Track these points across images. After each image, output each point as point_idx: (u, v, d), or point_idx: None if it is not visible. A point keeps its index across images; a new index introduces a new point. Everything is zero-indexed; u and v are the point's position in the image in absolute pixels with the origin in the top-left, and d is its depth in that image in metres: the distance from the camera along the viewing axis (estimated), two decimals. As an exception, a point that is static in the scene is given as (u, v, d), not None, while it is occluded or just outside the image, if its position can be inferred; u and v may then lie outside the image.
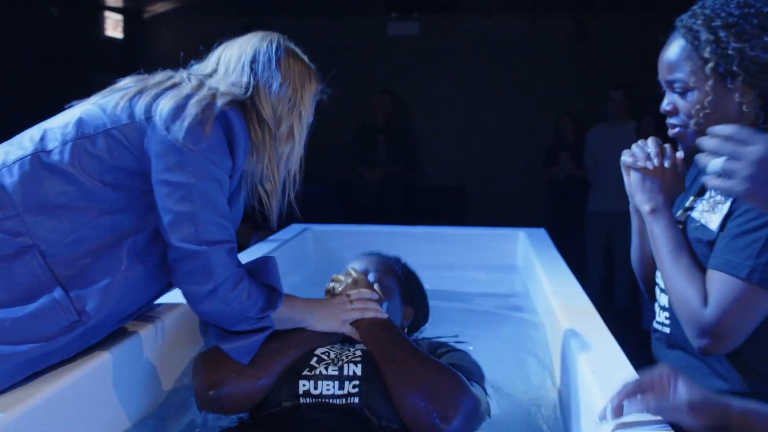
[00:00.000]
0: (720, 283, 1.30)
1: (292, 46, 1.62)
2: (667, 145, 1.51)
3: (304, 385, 1.50)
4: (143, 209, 1.40)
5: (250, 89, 1.49)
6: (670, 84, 1.45)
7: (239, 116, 1.44)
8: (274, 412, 1.50)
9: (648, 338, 1.64)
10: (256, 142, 1.49)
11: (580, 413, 1.37)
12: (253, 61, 1.52)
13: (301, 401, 1.49)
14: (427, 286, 2.10)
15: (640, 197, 1.49)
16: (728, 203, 1.37)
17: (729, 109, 1.39)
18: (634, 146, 1.52)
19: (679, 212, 1.54)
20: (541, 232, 3.00)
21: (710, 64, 1.36)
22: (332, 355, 1.56)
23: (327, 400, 1.48)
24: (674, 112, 1.46)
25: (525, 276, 2.73)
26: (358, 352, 1.56)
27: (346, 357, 1.55)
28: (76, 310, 1.30)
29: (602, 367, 1.33)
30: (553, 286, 2.02)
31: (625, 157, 1.52)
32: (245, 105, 1.48)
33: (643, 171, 1.49)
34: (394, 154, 6.13)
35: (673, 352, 1.49)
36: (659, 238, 1.44)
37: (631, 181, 1.51)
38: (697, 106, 1.40)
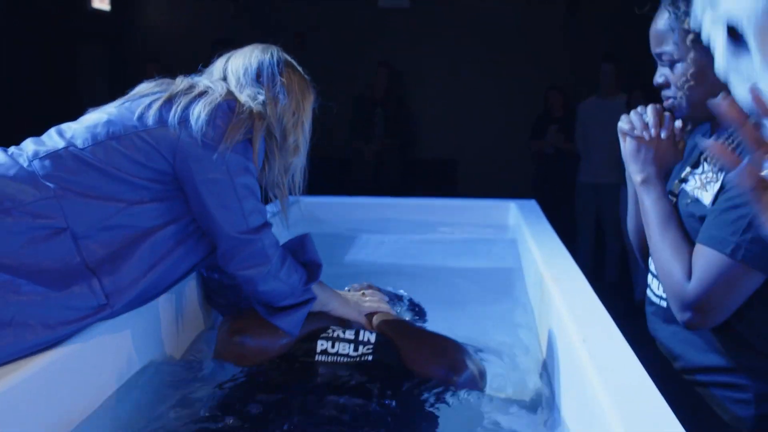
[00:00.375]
0: (704, 258, 1.30)
1: (289, 58, 1.69)
2: (666, 114, 1.49)
3: (322, 345, 1.61)
4: (175, 202, 1.49)
5: (266, 106, 1.56)
6: (660, 57, 1.45)
7: (261, 130, 1.55)
8: (289, 367, 1.58)
9: (639, 310, 1.64)
10: (267, 153, 1.60)
11: (569, 383, 1.38)
12: (258, 74, 1.59)
13: (317, 358, 1.59)
14: (418, 257, 2.11)
15: (633, 167, 1.48)
16: (720, 179, 1.36)
17: (717, 80, 1.36)
18: (632, 113, 1.51)
19: (675, 182, 1.54)
20: (532, 204, 2.99)
21: (691, 36, 1.35)
22: (343, 330, 1.68)
23: (342, 359, 1.58)
24: (666, 84, 1.46)
25: (515, 246, 2.73)
26: (370, 337, 1.67)
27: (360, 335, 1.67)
28: (105, 294, 1.36)
29: (592, 337, 1.33)
30: (544, 257, 2.01)
31: (622, 124, 1.51)
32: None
33: (639, 140, 1.48)
34: (392, 128, 6.10)
35: (670, 326, 1.49)
36: (649, 209, 1.44)
37: (627, 149, 1.50)
38: (683, 78, 1.40)
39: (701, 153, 1.48)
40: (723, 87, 1.38)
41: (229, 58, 1.64)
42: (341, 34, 7.35)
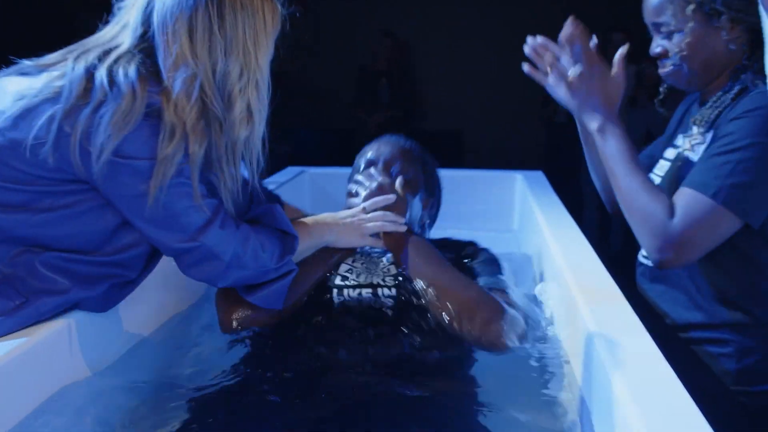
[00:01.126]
0: (687, 199, 1.34)
1: None
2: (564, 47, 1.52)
3: (338, 298, 1.53)
4: (85, 207, 1.28)
5: (197, 85, 1.26)
6: (657, 27, 1.47)
7: (202, 146, 1.30)
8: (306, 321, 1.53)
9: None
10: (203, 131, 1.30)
11: (576, 350, 1.38)
12: (191, 30, 1.25)
13: (335, 310, 1.52)
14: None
15: (585, 116, 1.47)
16: (707, 140, 1.41)
17: (717, 47, 1.42)
18: (549, 57, 1.55)
19: (669, 149, 1.58)
20: (539, 175, 2.98)
21: (691, 6, 1.39)
22: (359, 268, 1.60)
23: (360, 304, 1.51)
24: (664, 54, 1.49)
25: (522, 218, 2.73)
26: (389, 279, 1.56)
27: (378, 274, 1.58)
28: (22, 294, 1.25)
29: (599, 305, 1.34)
30: (551, 228, 2.02)
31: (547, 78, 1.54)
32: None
33: (576, 80, 1.46)
34: (396, 99, 6.06)
35: (657, 286, 1.55)
36: (615, 153, 1.43)
37: (572, 103, 1.48)
38: (681, 48, 1.43)
39: (692, 119, 1.51)
40: (722, 56, 1.42)
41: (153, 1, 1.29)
42: (344, 0, 7.27)
